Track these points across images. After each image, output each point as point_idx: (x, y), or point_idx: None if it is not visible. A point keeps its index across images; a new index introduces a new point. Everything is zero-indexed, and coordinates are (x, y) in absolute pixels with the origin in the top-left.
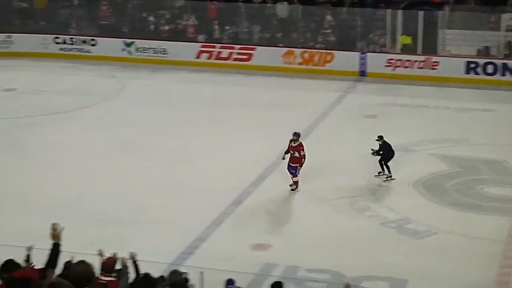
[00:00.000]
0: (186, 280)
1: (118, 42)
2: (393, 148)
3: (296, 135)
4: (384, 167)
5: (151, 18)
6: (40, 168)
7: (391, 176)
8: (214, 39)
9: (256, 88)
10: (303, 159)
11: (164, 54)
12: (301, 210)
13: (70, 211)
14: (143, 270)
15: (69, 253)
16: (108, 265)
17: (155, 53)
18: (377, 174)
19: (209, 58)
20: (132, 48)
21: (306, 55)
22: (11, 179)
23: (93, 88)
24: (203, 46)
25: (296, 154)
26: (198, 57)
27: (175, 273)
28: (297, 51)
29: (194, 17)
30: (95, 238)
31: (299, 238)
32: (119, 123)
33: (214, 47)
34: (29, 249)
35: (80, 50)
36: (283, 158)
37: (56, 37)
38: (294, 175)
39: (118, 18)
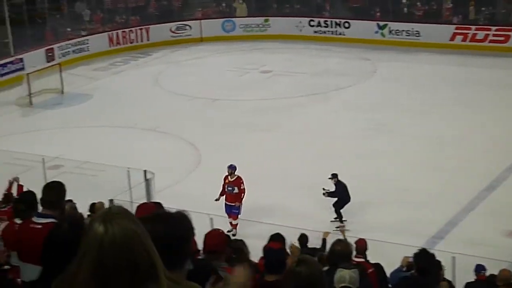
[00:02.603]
0: (439, 263)
1: (371, 25)
2: (348, 190)
3: (232, 168)
4: (335, 213)
5: (405, 1)
6: (298, 148)
7: (343, 226)
8: (470, 20)
9: None
10: (243, 194)
11: (417, 36)
12: None
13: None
14: (391, 252)
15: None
16: (360, 246)
17: (408, 35)
18: (333, 219)
19: (463, 40)
20: (385, 31)
21: None
22: (273, 158)
23: (347, 70)
24: (457, 28)
25: (236, 190)
26: (452, 39)
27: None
28: None
29: None
30: (348, 219)
31: None
32: (373, 104)
33: (469, 29)
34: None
35: (334, 32)
36: (217, 200)
37: (311, 20)
38: (236, 215)
39: (372, 1)
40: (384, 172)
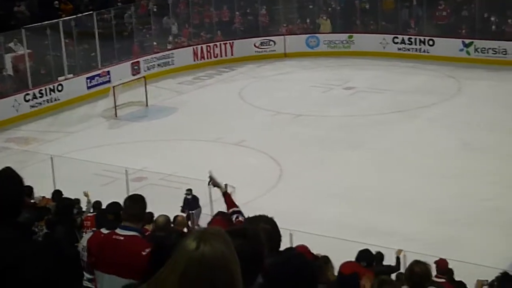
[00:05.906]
0: None
1: (456, 42)
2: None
3: None
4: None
5: (493, 19)
6: (385, 166)
7: None
8: None
9: None
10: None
11: (504, 54)
12: None
13: (414, 210)
14: (474, 274)
15: (412, 253)
16: (441, 266)
17: (494, 53)
18: None
19: None
20: (470, 49)
21: None
22: (360, 176)
23: (431, 88)
24: None
25: None
26: None
27: None
28: None
29: None
30: (434, 238)
31: None
32: (458, 123)
33: None
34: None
35: (418, 50)
36: None
37: (395, 37)
38: None
39: (458, 19)
40: (469, 192)
